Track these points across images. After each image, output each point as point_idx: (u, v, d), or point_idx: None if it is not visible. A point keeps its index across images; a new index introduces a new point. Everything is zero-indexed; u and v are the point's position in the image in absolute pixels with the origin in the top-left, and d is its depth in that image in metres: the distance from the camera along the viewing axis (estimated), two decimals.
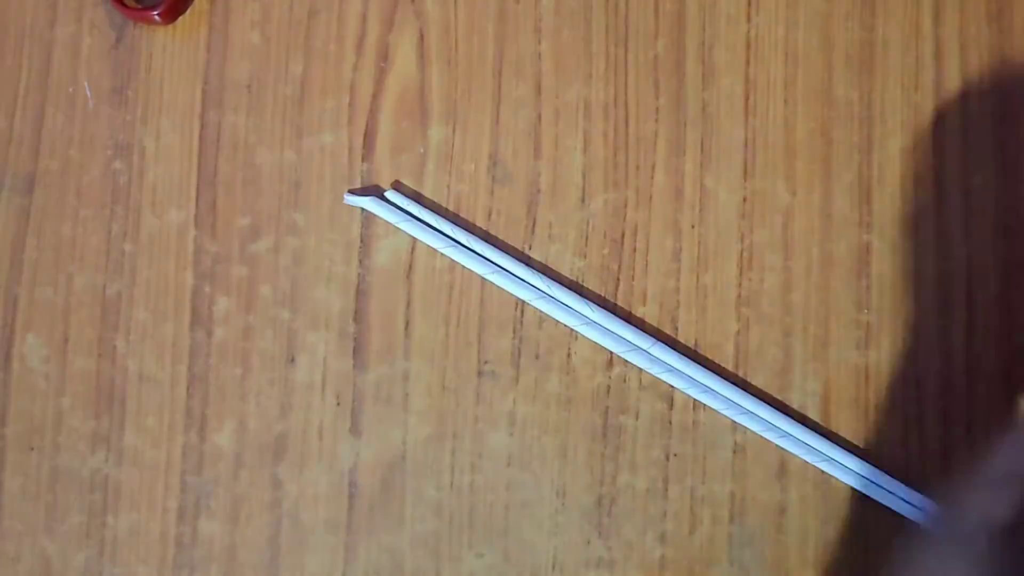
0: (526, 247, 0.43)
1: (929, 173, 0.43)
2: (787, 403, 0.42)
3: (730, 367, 0.42)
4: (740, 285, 0.43)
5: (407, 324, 0.43)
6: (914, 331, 0.42)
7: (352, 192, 0.43)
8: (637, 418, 0.42)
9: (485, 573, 0.42)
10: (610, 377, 0.42)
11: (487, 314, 0.43)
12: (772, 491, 0.41)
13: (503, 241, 0.43)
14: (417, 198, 0.44)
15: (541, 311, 0.42)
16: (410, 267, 0.43)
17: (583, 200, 0.43)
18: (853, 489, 0.41)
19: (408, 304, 0.43)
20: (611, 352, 0.42)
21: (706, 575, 0.41)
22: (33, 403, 0.43)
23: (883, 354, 0.42)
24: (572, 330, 0.42)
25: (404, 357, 0.43)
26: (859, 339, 0.42)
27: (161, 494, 0.43)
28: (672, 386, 0.42)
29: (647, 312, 0.43)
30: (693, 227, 0.43)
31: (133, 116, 0.45)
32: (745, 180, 0.43)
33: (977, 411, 0.42)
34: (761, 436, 0.41)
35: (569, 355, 0.43)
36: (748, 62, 0.44)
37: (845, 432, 0.42)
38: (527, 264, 0.43)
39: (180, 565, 0.42)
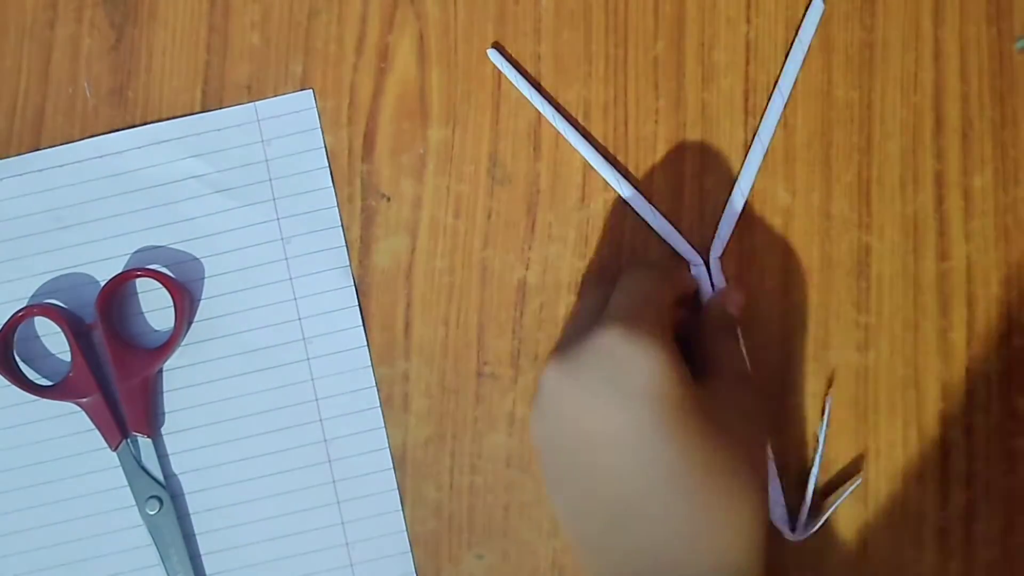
0: (526, 247, 0.43)
1: (929, 173, 0.43)
2: (787, 403, 0.42)
3: None
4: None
5: (407, 324, 0.43)
6: (914, 331, 0.42)
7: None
8: None
9: (485, 574, 0.42)
10: None
11: (487, 315, 0.43)
12: None
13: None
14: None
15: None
16: (410, 267, 0.43)
17: (583, 200, 0.43)
18: None
19: (408, 304, 0.43)
20: None
21: None
22: None
23: (883, 354, 0.42)
24: None
25: (404, 357, 0.43)
26: (859, 340, 0.42)
27: None
28: None
29: None
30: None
31: (133, 116, 0.45)
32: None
33: (977, 411, 0.41)
34: None
35: None
36: (748, 63, 0.44)
37: (846, 432, 0.42)
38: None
39: None
